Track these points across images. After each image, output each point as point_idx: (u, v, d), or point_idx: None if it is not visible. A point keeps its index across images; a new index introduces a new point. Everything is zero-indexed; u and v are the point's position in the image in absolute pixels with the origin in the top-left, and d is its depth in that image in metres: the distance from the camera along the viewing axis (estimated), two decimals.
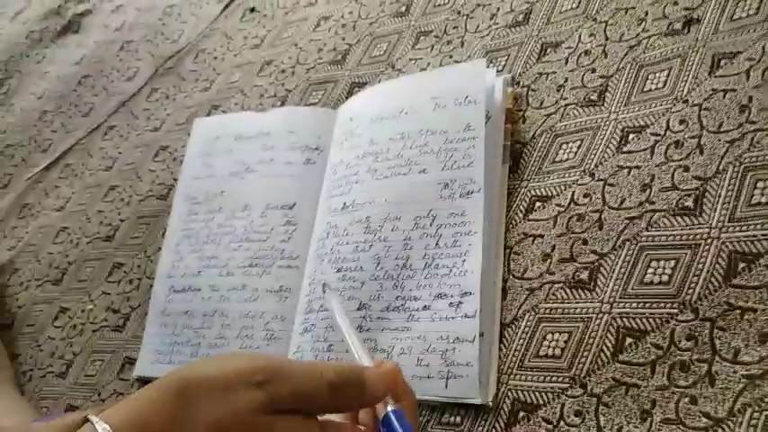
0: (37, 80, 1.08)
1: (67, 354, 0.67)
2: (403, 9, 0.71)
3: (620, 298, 0.42)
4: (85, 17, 1.13)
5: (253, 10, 0.87)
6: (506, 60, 0.59)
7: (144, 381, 0.60)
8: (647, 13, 0.53)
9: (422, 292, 0.46)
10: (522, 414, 0.42)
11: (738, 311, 0.38)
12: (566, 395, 0.41)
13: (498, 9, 0.63)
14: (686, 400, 0.37)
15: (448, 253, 0.46)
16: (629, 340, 0.40)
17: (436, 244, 0.47)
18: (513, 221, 0.49)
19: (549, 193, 0.49)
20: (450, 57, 0.63)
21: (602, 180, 0.47)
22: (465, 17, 0.65)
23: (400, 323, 0.46)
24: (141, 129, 0.84)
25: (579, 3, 0.58)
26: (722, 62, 0.47)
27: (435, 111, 0.52)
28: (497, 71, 0.58)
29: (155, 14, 1.01)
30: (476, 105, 0.51)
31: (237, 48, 0.84)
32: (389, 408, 0.31)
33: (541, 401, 0.41)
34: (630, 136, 0.48)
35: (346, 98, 0.66)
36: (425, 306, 0.46)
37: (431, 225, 0.48)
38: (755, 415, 0.35)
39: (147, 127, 0.84)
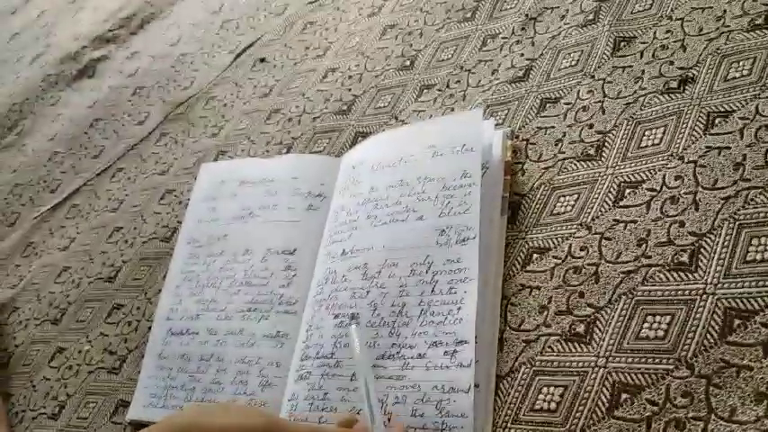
0: (50, 122, 1.11)
1: (61, 395, 0.67)
2: (408, 63, 0.73)
3: (616, 352, 0.42)
4: (101, 63, 1.17)
5: (263, 60, 0.90)
6: (506, 114, 0.60)
7: (136, 424, 0.59)
8: (643, 72, 0.55)
9: (417, 339, 0.46)
10: None
11: (734, 369, 0.38)
12: None
13: (500, 65, 0.65)
14: None
15: (443, 300, 0.46)
16: (624, 396, 0.40)
17: (432, 290, 0.47)
18: (511, 273, 0.50)
19: (547, 245, 0.50)
20: (452, 110, 0.65)
21: (598, 233, 0.48)
22: (467, 72, 0.67)
23: (395, 371, 0.46)
24: (149, 172, 0.86)
25: (578, 61, 0.60)
26: (717, 120, 0.48)
27: (433, 158, 0.53)
28: (497, 124, 0.59)
29: (168, 62, 1.04)
30: (472, 153, 0.51)
31: (246, 96, 0.86)
32: None
33: None
34: (627, 191, 0.49)
35: (350, 147, 0.68)
36: (420, 354, 0.45)
37: (427, 272, 0.48)
38: None
39: (154, 170, 0.85)
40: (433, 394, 0.44)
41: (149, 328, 0.63)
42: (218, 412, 0.29)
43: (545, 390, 0.43)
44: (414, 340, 0.46)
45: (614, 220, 0.48)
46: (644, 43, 0.57)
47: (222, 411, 0.29)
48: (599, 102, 0.56)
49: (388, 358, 0.46)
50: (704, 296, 0.41)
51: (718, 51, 0.52)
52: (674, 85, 0.53)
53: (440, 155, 0.53)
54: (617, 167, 0.51)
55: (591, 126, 0.55)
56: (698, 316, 0.40)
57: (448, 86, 0.67)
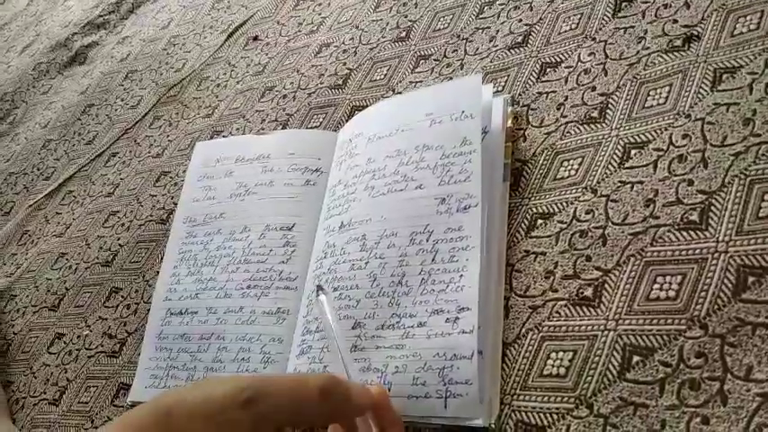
0: (42, 110, 1.09)
1: (61, 380, 0.66)
2: (403, 34, 0.71)
3: (626, 315, 0.41)
4: (92, 49, 1.15)
5: (256, 38, 0.88)
6: (506, 81, 0.59)
7: None
8: (645, 32, 0.53)
9: (418, 308, 0.45)
10: None
11: (750, 327, 0.37)
12: (571, 416, 0.39)
13: (498, 31, 0.63)
14: (698, 420, 0.36)
15: (445, 268, 0.45)
16: (636, 358, 0.39)
17: (432, 259, 0.46)
18: (515, 239, 0.48)
19: (551, 211, 0.48)
20: (450, 79, 0.63)
21: (604, 196, 0.47)
22: (464, 41, 0.65)
23: (395, 341, 0.44)
24: (143, 155, 0.84)
25: (578, 24, 0.58)
26: (724, 77, 0.47)
27: (432, 126, 0.52)
28: (496, 91, 0.58)
29: (159, 45, 1.02)
30: (472, 120, 0.50)
31: (240, 75, 0.84)
32: None
33: (546, 423, 0.40)
34: (632, 152, 0.47)
35: (347, 121, 0.66)
36: (421, 323, 0.44)
37: (427, 241, 0.47)
38: None
39: (149, 153, 0.84)
40: (435, 362, 0.42)
41: (148, 310, 0.62)
42: (208, 385, 0.27)
43: (553, 355, 0.42)
44: (414, 309, 0.45)
45: (620, 181, 0.47)
46: (646, 3, 0.55)
47: (214, 383, 0.27)
48: (601, 64, 0.54)
49: (387, 328, 0.45)
50: (716, 254, 0.40)
51: (724, 7, 0.50)
52: (678, 43, 0.51)
53: (438, 122, 0.52)
54: (621, 129, 0.49)
55: (593, 89, 0.53)
56: (710, 275, 0.39)
57: (445, 56, 0.66)
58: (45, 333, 0.71)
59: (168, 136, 0.84)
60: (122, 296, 0.69)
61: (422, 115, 0.53)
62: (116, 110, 0.96)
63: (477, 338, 0.42)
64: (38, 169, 0.97)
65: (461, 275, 0.44)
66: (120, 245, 0.74)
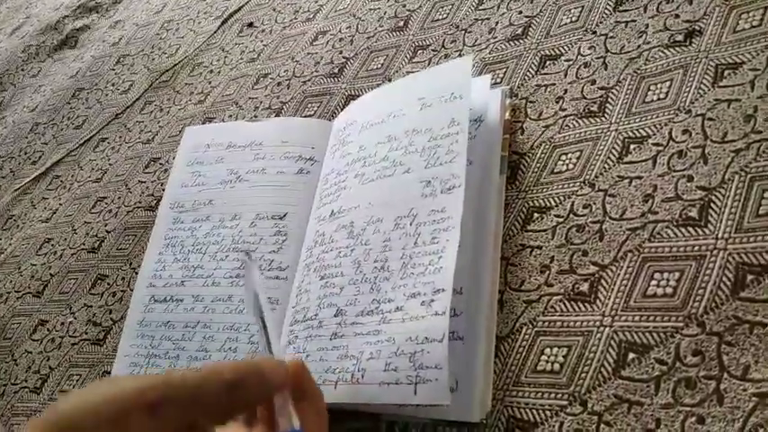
0: (31, 93, 1.07)
1: (44, 368, 0.64)
2: (401, 24, 0.70)
3: (622, 311, 0.40)
4: (83, 32, 1.13)
5: (251, 25, 0.86)
6: (505, 73, 0.58)
7: None
8: (647, 26, 0.53)
9: (396, 293, 0.43)
10: None
11: (747, 325, 0.36)
12: (565, 413, 0.38)
13: (497, 23, 0.62)
14: (693, 419, 0.35)
15: (425, 251, 0.44)
16: (631, 355, 0.38)
17: (414, 243, 0.44)
18: (511, 232, 0.48)
19: (548, 204, 0.47)
20: None
21: (602, 191, 0.46)
22: (463, 31, 0.64)
23: (372, 327, 0.43)
24: (133, 141, 0.83)
25: (578, 17, 0.57)
26: (725, 72, 0.46)
27: (422, 110, 0.51)
28: (495, 83, 0.57)
29: (152, 30, 1.00)
30: (461, 100, 0.49)
31: (234, 62, 0.83)
32: (294, 426, 0.28)
33: (539, 419, 0.39)
34: (632, 146, 0.47)
35: (342, 111, 0.65)
36: (398, 307, 0.43)
37: (411, 224, 0.45)
38: None
39: (139, 139, 0.82)
40: (407, 346, 0.41)
41: None
42: (106, 388, 0.25)
43: (548, 351, 0.41)
44: (393, 294, 0.43)
45: (618, 176, 0.46)
46: None
47: (113, 384, 0.25)
48: (601, 57, 0.53)
49: (367, 314, 0.44)
50: (715, 251, 0.39)
51: (726, 2, 0.50)
52: (679, 38, 0.50)
53: (428, 106, 0.51)
54: (621, 123, 0.48)
55: (593, 82, 0.52)
56: (708, 272, 0.38)
57: (443, 46, 0.65)
58: (28, 320, 0.70)
59: (159, 122, 0.83)
60: (108, 283, 0.67)
61: (413, 100, 0.52)
62: (107, 94, 0.95)
63: (448, 320, 0.40)
64: (25, 153, 0.95)
65: (440, 257, 0.43)
66: (107, 231, 0.73)
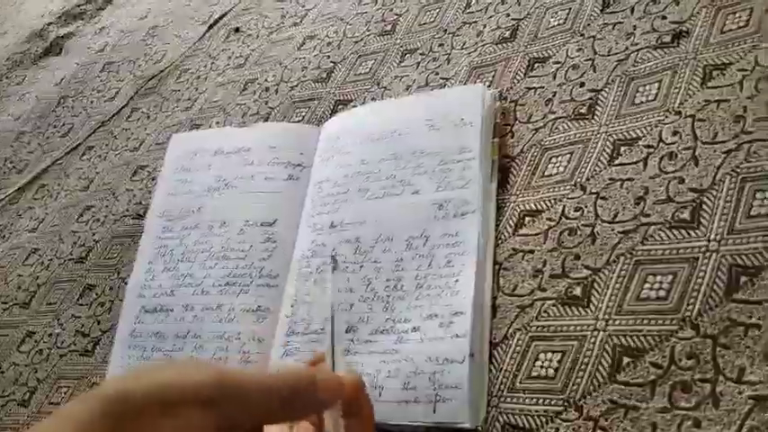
0: (16, 101, 1.06)
1: (31, 380, 0.63)
2: (389, 28, 0.70)
3: (616, 315, 0.40)
4: (68, 39, 1.12)
5: (237, 30, 0.86)
6: (493, 76, 0.58)
7: None
8: (634, 28, 0.53)
9: (412, 313, 0.44)
10: None
11: (742, 328, 0.36)
12: (560, 419, 0.38)
13: (485, 26, 0.62)
14: (689, 423, 0.35)
15: (440, 273, 0.45)
16: (626, 359, 0.38)
17: (429, 264, 0.45)
18: (503, 237, 0.47)
19: (539, 208, 0.47)
20: (437, 74, 0.62)
21: (593, 193, 0.46)
22: (451, 35, 0.64)
23: (389, 345, 0.44)
24: (120, 148, 0.82)
25: (566, 19, 0.57)
26: (714, 73, 0.46)
27: (430, 132, 0.52)
28: (486, 85, 0.57)
29: (138, 36, 0.99)
30: (472, 128, 0.50)
31: (221, 67, 0.82)
32: None
33: (534, 425, 0.39)
34: (622, 148, 0.47)
35: (330, 116, 0.65)
36: (415, 327, 0.43)
37: (424, 245, 0.46)
38: None
39: (126, 147, 0.81)
40: (427, 366, 0.41)
41: None
42: (167, 371, 0.24)
43: (542, 356, 0.41)
44: (409, 314, 0.44)
45: (610, 179, 0.46)
46: None
47: (174, 369, 0.24)
48: (589, 59, 0.53)
49: (381, 333, 0.44)
50: (707, 253, 0.39)
51: (713, 3, 0.50)
52: (667, 39, 0.50)
53: (436, 129, 0.52)
54: (611, 125, 0.48)
55: (582, 84, 0.52)
56: (701, 274, 0.38)
57: (431, 50, 0.64)
58: (15, 331, 0.69)
59: (146, 129, 0.82)
60: (96, 293, 0.66)
61: (420, 120, 0.53)
62: (92, 102, 0.94)
63: (469, 342, 0.41)
64: (10, 162, 0.94)
65: (456, 280, 0.44)
66: (94, 240, 0.72)
